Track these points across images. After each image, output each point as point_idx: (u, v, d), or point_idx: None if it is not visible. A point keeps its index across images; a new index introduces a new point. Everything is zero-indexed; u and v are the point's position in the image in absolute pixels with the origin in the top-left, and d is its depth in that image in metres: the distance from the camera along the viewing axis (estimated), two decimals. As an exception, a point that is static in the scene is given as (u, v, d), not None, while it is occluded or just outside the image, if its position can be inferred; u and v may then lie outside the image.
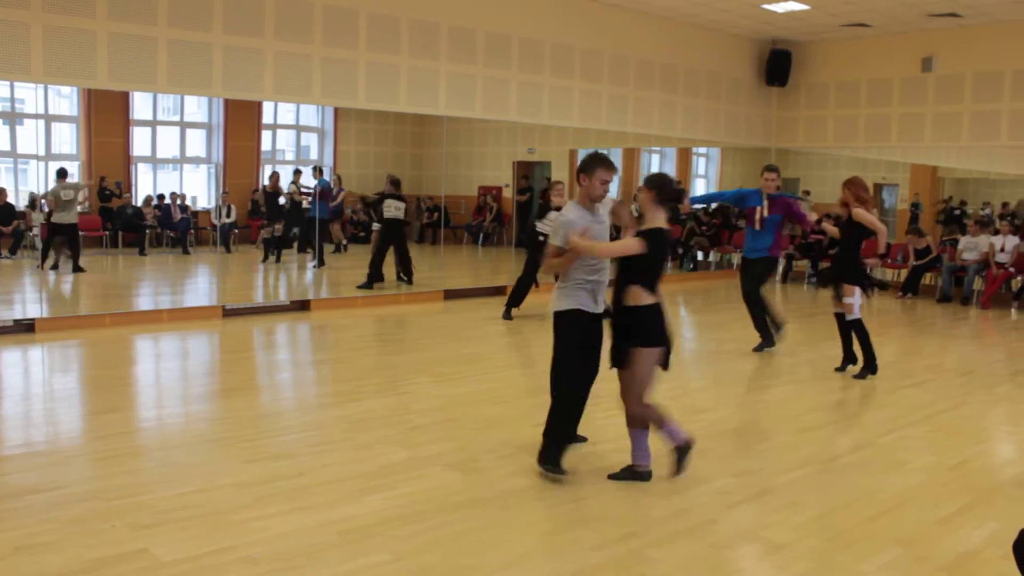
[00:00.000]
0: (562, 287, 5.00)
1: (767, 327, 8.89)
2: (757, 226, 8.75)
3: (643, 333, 4.86)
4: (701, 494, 4.87)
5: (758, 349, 8.86)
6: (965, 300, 13.46)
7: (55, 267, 12.84)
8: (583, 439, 5.51)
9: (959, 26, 13.77)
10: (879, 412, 6.82)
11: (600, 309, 5.02)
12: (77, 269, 12.74)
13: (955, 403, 7.20)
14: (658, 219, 4.83)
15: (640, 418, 4.98)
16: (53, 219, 12.49)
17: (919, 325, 11.61)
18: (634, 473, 5.02)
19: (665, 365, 4.97)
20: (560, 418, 5.10)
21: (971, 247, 13.59)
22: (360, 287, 12.16)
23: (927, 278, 14.38)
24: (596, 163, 4.88)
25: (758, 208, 8.71)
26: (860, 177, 7.90)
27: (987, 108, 13.82)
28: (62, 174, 12.87)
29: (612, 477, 5.02)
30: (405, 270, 12.87)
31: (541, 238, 9.84)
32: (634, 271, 4.84)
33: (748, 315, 8.97)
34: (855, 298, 7.83)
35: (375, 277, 12.36)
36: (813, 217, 9.24)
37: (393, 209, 12.57)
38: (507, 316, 10.58)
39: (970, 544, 4.30)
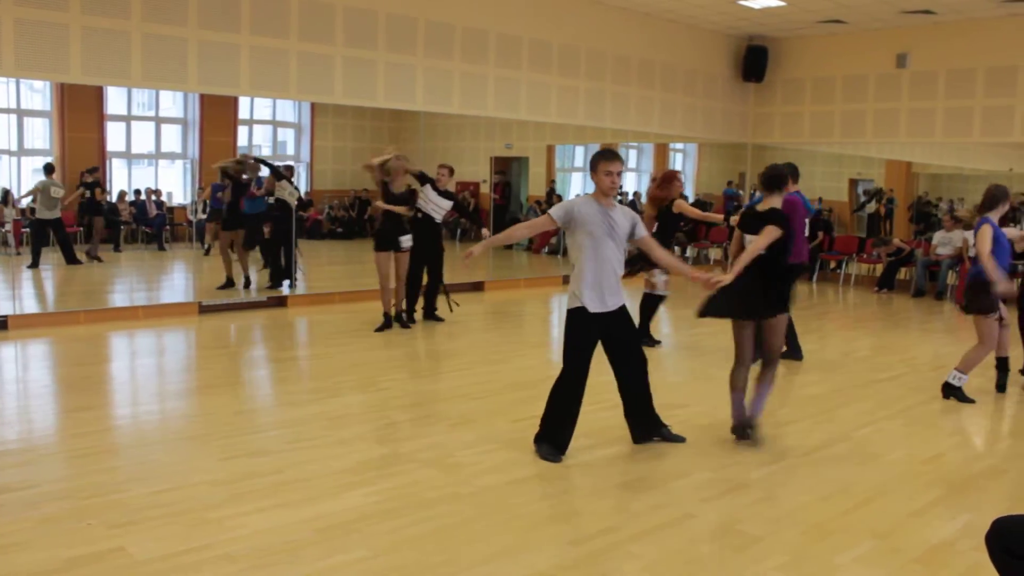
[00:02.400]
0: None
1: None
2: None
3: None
4: (678, 488, 4.90)
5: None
6: (939, 294, 13.58)
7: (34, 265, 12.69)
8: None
9: (933, 23, 13.88)
10: (855, 406, 6.87)
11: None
12: (73, 261, 12.75)
13: (929, 396, 7.26)
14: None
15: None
16: (38, 215, 12.38)
17: (894, 319, 11.71)
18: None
19: None
20: None
21: (945, 242, 13.71)
22: (268, 287, 11.52)
23: (902, 273, 14.50)
24: (598, 158, 5.23)
25: None
26: (669, 172, 8.83)
27: (960, 104, 13.95)
28: (50, 170, 12.73)
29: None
30: (280, 270, 11.74)
31: (421, 215, 9.46)
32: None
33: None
34: (656, 276, 8.66)
35: (279, 272, 11.58)
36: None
37: (287, 194, 11.62)
38: (409, 321, 9.67)
39: (943, 535, 4.35)
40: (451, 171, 9.77)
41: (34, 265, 12.45)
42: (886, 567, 3.98)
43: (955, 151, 16.03)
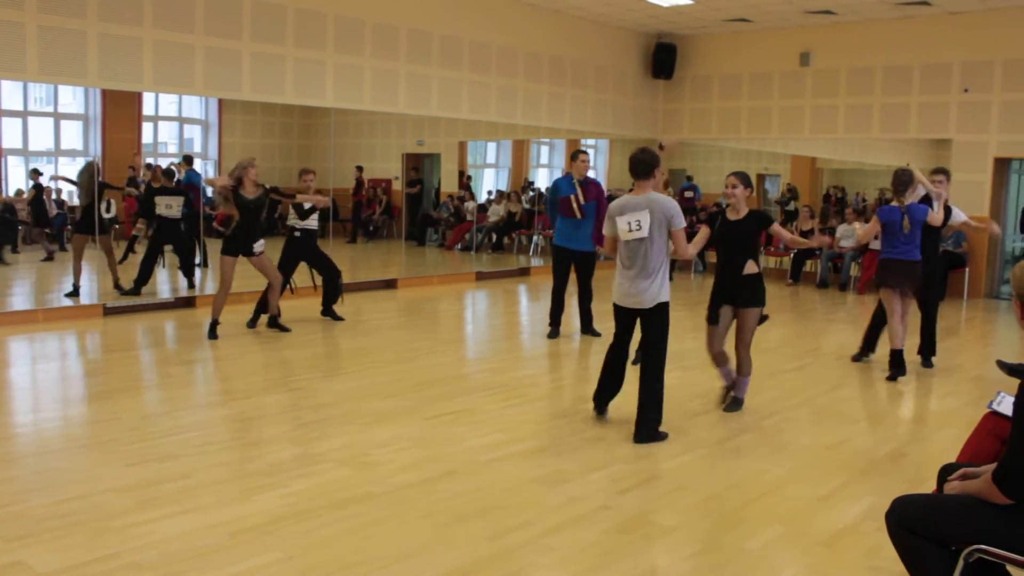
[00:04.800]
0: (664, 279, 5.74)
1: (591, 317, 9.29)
2: (579, 215, 8.70)
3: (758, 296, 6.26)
4: (593, 481, 4.94)
5: (553, 336, 9.23)
6: (843, 286, 14.02)
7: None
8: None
9: (833, 23, 14.31)
10: (763, 396, 7.03)
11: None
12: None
13: (833, 385, 7.49)
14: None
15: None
16: None
17: (800, 310, 12.03)
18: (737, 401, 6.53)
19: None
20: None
21: (848, 235, 14.14)
22: (127, 293, 10.80)
23: (808, 265, 14.91)
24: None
25: (572, 196, 8.70)
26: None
27: (860, 102, 14.42)
28: None
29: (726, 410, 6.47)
30: (189, 271, 11.51)
31: (297, 233, 9.38)
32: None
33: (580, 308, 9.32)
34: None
35: (143, 280, 10.92)
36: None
37: (164, 207, 11.18)
38: (261, 326, 9.28)
39: (848, 518, 4.48)
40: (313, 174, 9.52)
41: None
42: (794, 551, 4.09)
43: (856, 147, 16.55)
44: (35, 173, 13.81)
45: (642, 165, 5.64)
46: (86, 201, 10.87)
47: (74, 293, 10.64)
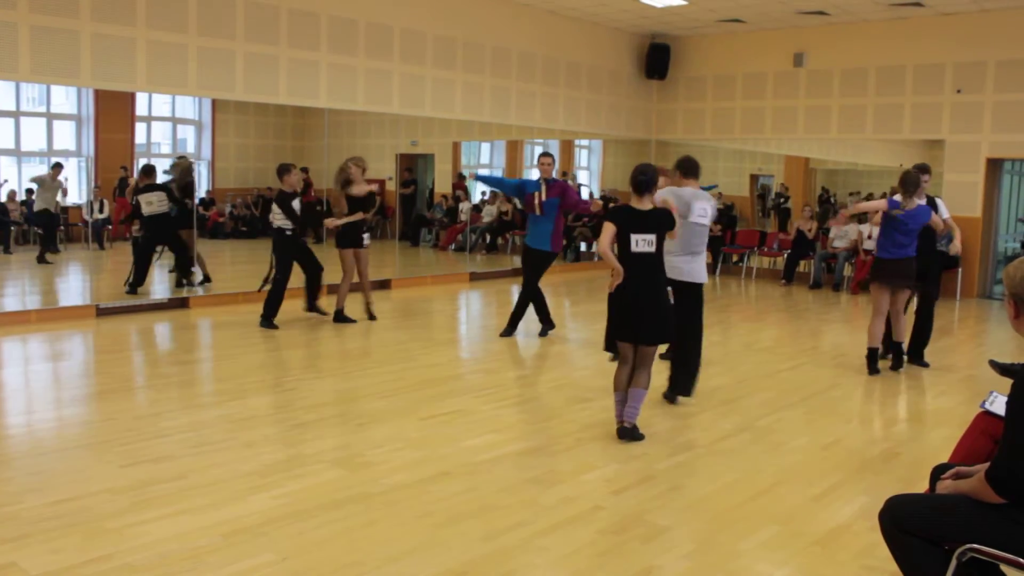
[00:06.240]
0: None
1: (548, 315, 9.35)
2: (537, 211, 8.94)
3: None
4: (587, 481, 4.94)
5: (543, 334, 9.32)
6: (836, 286, 14.04)
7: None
8: None
9: (827, 24, 14.34)
10: (757, 396, 7.04)
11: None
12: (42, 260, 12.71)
13: (828, 385, 7.50)
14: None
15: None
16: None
17: (794, 311, 12.05)
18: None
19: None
20: None
21: (841, 235, 14.18)
22: (129, 293, 10.80)
23: (801, 265, 14.93)
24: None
25: (536, 193, 8.92)
26: None
27: (854, 102, 14.45)
28: (57, 167, 13.05)
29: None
30: (184, 269, 11.33)
31: (288, 232, 9.41)
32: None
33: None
34: None
35: (139, 280, 10.93)
36: (596, 206, 10.42)
37: (156, 204, 11.03)
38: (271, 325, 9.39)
39: (841, 518, 4.49)
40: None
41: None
42: (787, 550, 4.10)
43: (850, 147, 16.58)
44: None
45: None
46: (182, 196, 11.32)
47: (205, 280, 11.36)
